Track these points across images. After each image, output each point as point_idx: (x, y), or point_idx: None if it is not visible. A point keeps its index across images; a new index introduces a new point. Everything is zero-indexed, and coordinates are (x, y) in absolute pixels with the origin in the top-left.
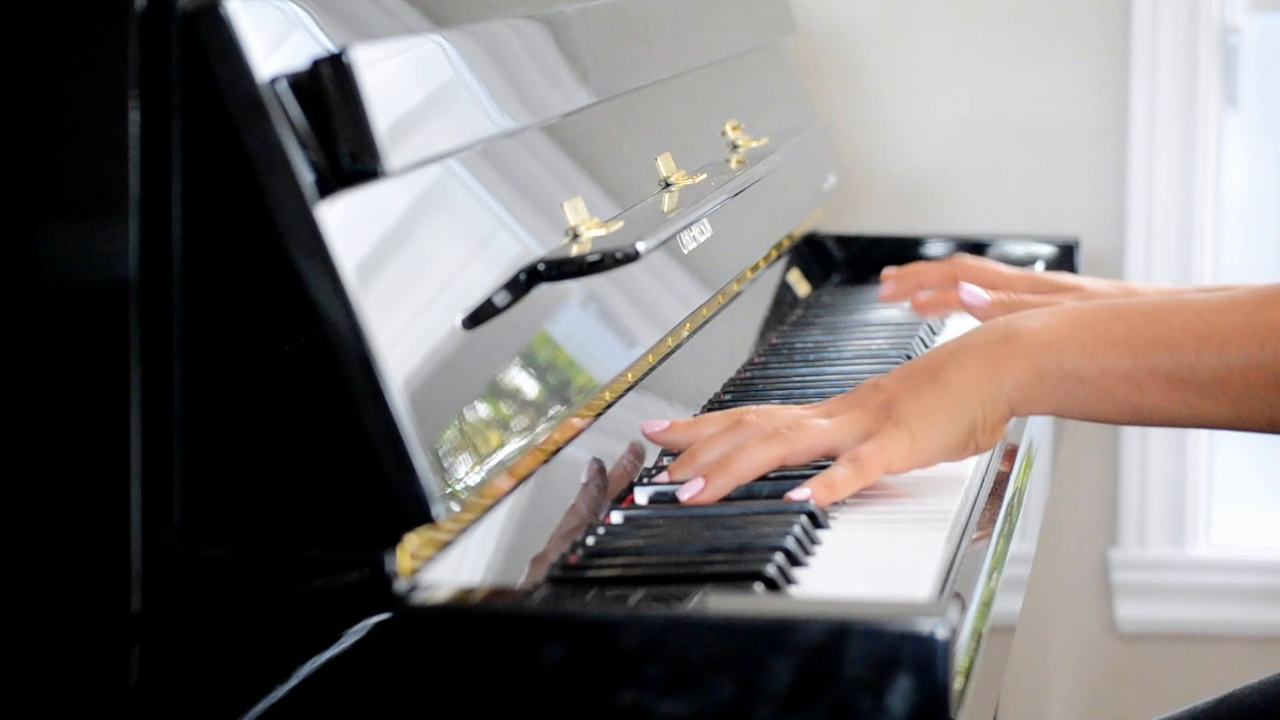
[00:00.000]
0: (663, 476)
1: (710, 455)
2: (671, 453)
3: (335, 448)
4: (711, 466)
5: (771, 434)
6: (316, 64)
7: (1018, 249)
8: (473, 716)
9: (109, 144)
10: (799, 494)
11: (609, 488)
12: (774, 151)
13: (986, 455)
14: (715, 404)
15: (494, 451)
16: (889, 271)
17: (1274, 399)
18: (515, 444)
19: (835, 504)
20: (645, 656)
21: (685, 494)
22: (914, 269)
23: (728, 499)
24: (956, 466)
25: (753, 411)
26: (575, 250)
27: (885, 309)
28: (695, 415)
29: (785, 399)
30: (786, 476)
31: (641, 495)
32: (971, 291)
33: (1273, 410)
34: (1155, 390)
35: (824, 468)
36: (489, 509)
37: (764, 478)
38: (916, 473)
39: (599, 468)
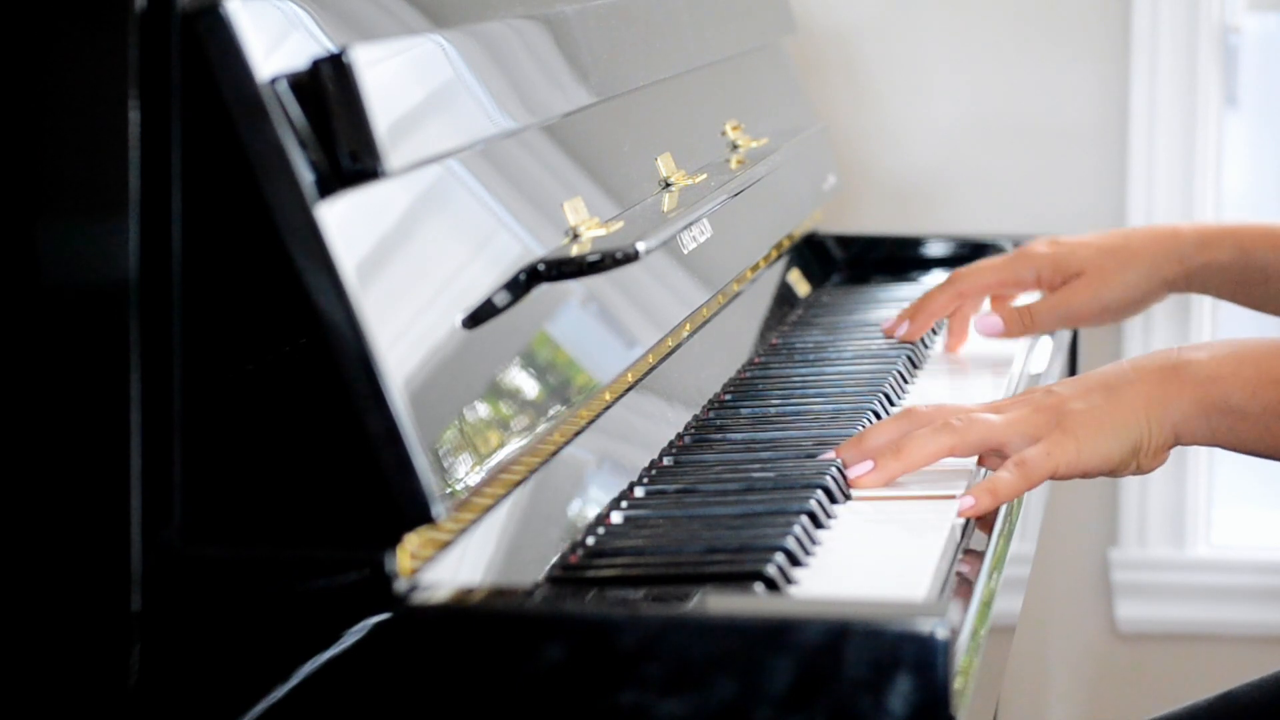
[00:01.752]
0: (827, 454)
1: (878, 440)
2: (673, 451)
3: (335, 448)
4: (881, 450)
5: (943, 425)
6: (316, 64)
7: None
8: (473, 716)
9: (109, 144)
10: (963, 503)
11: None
12: (774, 151)
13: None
14: (715, 404)
15: (494, 451)
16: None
17: None
18: (515, 444)
19: (835, 502)
20: (645, 656)
21: (854, 473)
22: (923, 305)
23: (729, 496)
24: (956, 466)
25: (922, 407)
26: (575, 250)
27: (885, 309)
28: (695, 415)
29: (785, 399)
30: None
31: (641, 495)
32: (987, 324)
33: None
34: None
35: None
36: (489, 509)
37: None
38: (918, 472)
39: None
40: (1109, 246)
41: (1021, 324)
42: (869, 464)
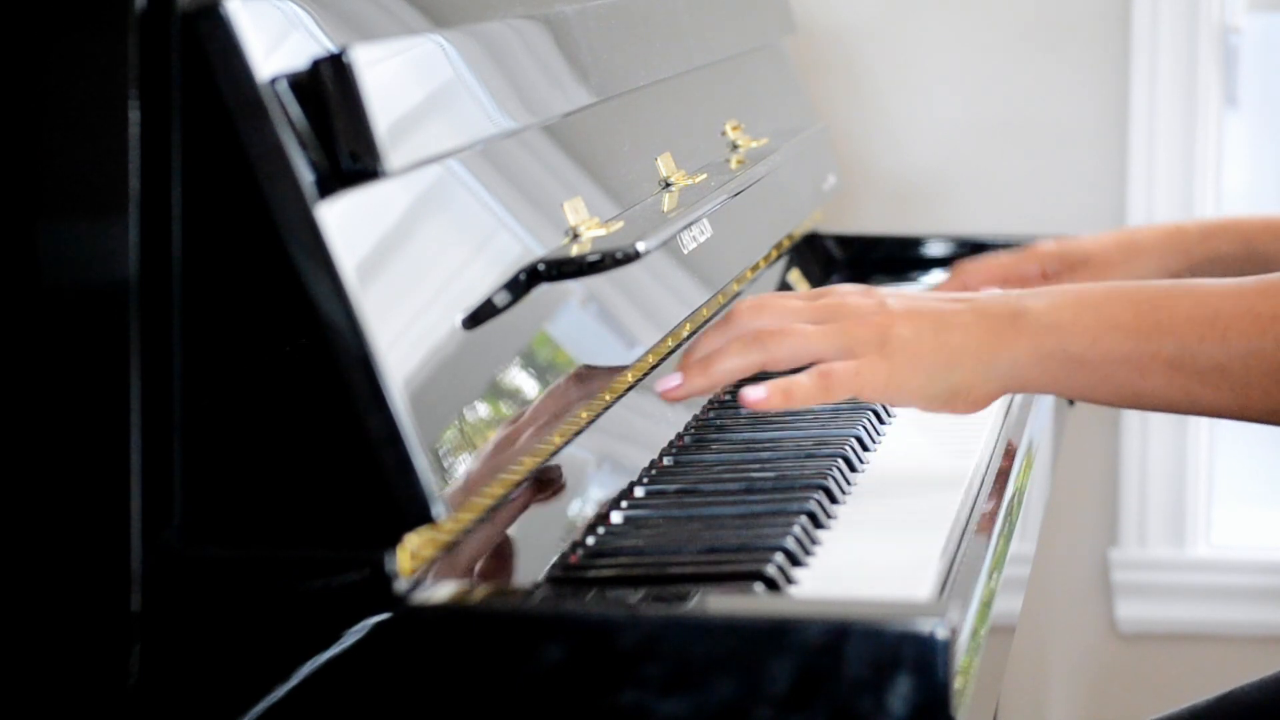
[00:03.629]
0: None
1: (698, 352)
2: (673, 451)
3: (335, 448)
4: (688, 365)
5: (753, 339)
6: (316, 64)
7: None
8: (473, 716)
9: (109, 144)
10: (753, 393)
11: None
12: (774, 151)
13: (986, 455)
14: (715, 404)
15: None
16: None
17: (1274, 388)
18: (515, 444)
19: (835, 502)
20: (645, 656)
21: (659, 386)
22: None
23: (729, 495)
24: (957, 466)
25: (745, 303)
26: (575, 250)
27: None
28: (695, 415)
29: None
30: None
31: (641, 494)
32: None
33: (1272, 400)
34: (1156, 376)
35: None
36: (489, 509)
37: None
38: (917, 473)
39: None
40: (1115, 240)
41: None
42: (678, 377)
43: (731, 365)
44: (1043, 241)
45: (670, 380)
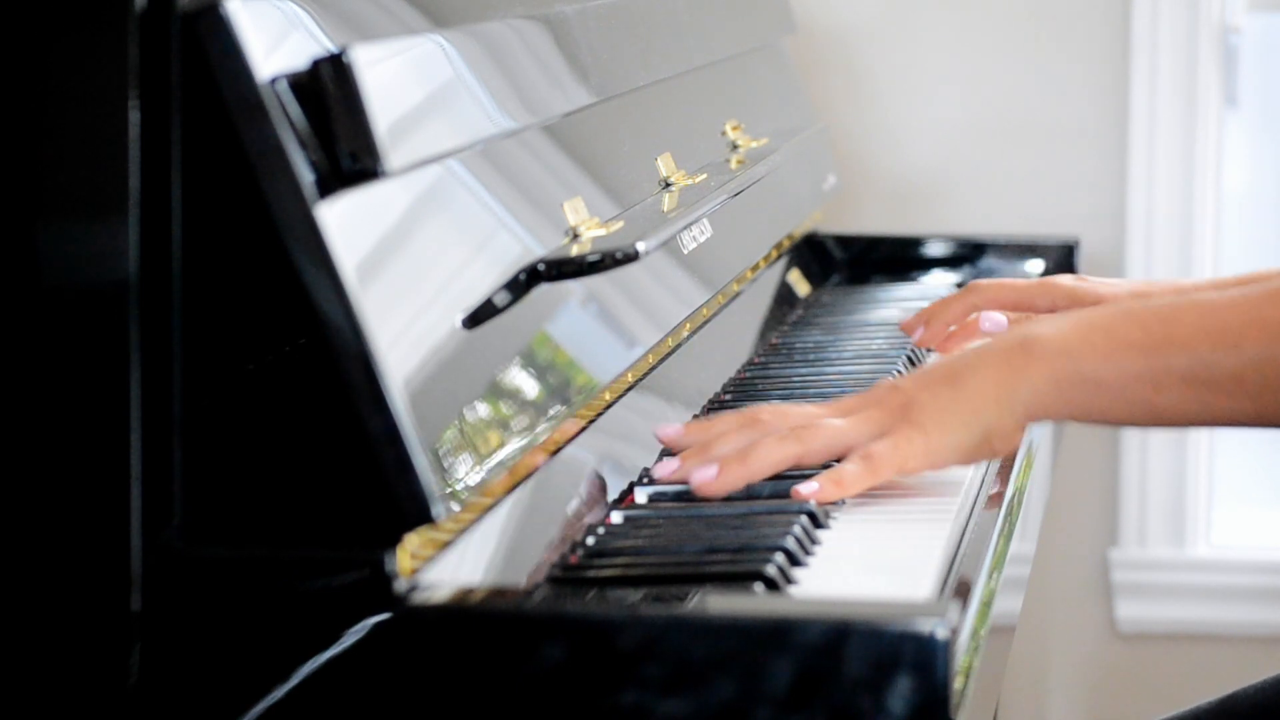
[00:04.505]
0: (670, 463)
1: (724, 448)
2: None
3: (335, 448)
4: (726, 458)
5: (788, 433)
6: (316, 64)
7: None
8: (473, 716)
9: (109, 144)
10: (806, 488)
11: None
12: (774, 151)
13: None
14: (715, 404)
15: (494, 451)
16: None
17: None
18: (515, 444)
19: (837, 504)
20: (645, 656)
21: (696, 479)
22: (937, 310)
23: (730, 498)
24: (956, 473)
25: (766, 410)
26: (575, 250)
27: (885, 309)
28: (696, 415)
29: (785, 399)
30: (793, 476)
31: (641, 495)
32: (993, 320)
33: None
34: (1173, 391)
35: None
36: (489, 509)
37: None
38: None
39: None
40: (1131, 285)
41: None
42: (714, 469)
43: (771, 458)
44: (1061, 276)
45: (706, 471)
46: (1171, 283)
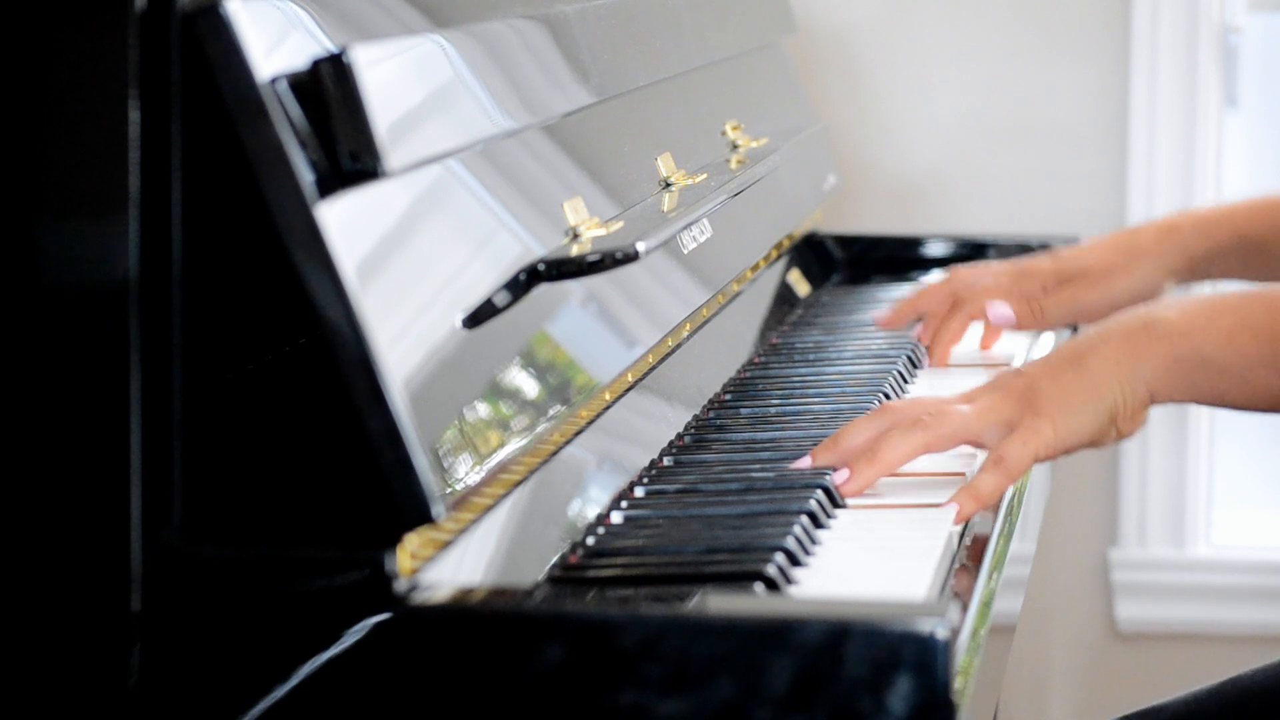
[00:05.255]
0: (802, 462)
1: (853, 441)
2: (673, 451)
3: (335, 447)
4: (856, 455)
5: (914, 422)
6: (316, 64)
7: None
8: (473, 716)
9: (109, 144)
10: (948, 510)
11: None
12: (774, 151)
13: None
14: (715, 404)
15: (494, 451)
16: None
17: None
18: (515, 444)
19: (837, 503)
20: (645, 656)
21: (834, 481)
22: (919, 302)
23: (727, 499)
24: (957, 466)
25: (897, 402)
26: (575, 250)
27: (885, 309)
28: (695, 415)
29: (785, 399)
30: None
31: (642, 494)
32: (999, 314)
33: None
34: None
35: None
36: (489, 509)
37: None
38: (917, 474)
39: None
40: (1113, 244)
41: (1032, 317)
42: (845, 472)
43: (900, 450)
44: (1037, 256)
45: (839, 476)
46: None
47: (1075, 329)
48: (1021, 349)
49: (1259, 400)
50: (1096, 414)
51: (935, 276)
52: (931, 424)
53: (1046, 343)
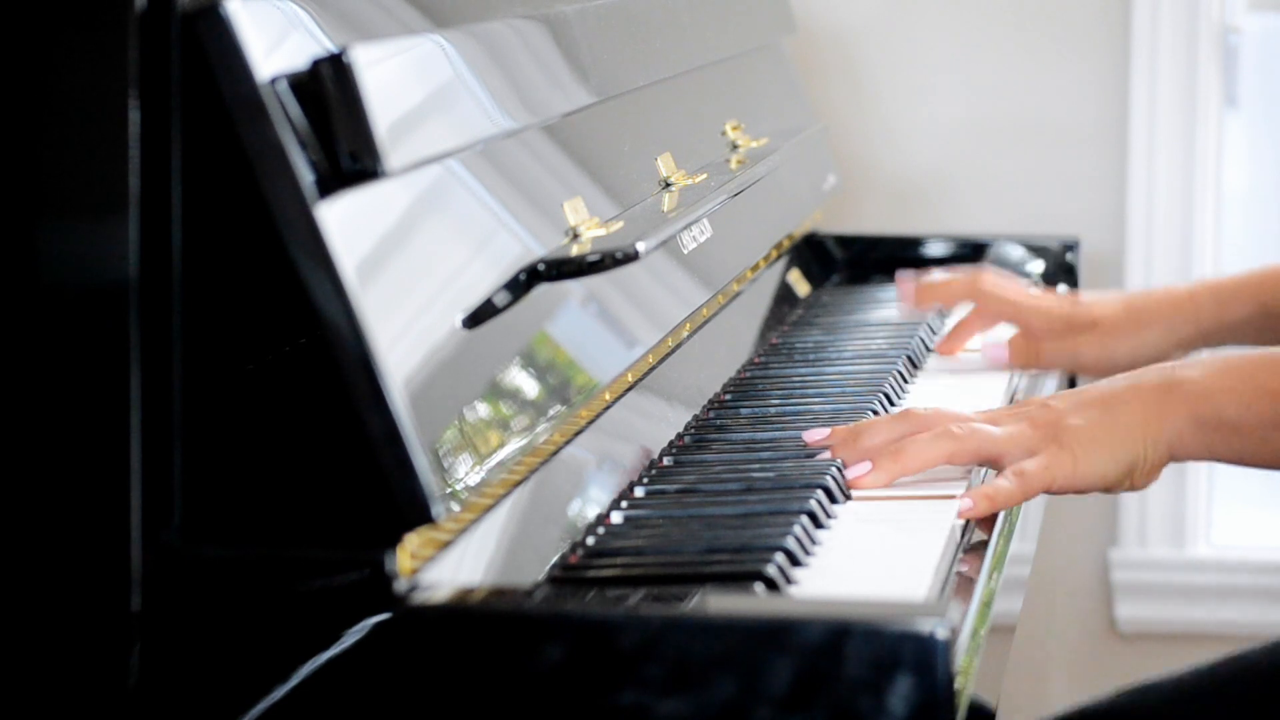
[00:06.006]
0: (819, 431)
1: (874, 439)
2: (673, 451)
3: (335, 448)
4: (879, 452)
5: (942, 431)
6: (316, 64)
7: (1016, 249)
8: (473, 716)
9: (109, 144)
10: (962, 504)
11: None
12: (774, 151)
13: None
14: (715, 404)
15: (494, 451)
16: (907, 282)
17: None
18: (515, 444)
19: (835, 502)
20: (645, 656)
21: (852, 473)
22: (937, 288)
23: (727, 499)
24: (956, 466)
25: (921, 409)
26: (575, 250)
27: (885, 309)
28: (695, 415)
29: (785, 399)
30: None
31: (642, 494)
32: (993, 356)
33: None
34: None
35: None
36: (489, 509)
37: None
38: (916, 474)
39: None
40: (1126, 305)
41: (1025, 359)
42: (867, 464)
43: (925, 454)
44: (1058, 295)
45: (860, 468)
46: (1170, 294)
47: (1073, 380)
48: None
49: (1275, 460)
50: (1118, 461)
51: (935, 277)
52: (960, 436)
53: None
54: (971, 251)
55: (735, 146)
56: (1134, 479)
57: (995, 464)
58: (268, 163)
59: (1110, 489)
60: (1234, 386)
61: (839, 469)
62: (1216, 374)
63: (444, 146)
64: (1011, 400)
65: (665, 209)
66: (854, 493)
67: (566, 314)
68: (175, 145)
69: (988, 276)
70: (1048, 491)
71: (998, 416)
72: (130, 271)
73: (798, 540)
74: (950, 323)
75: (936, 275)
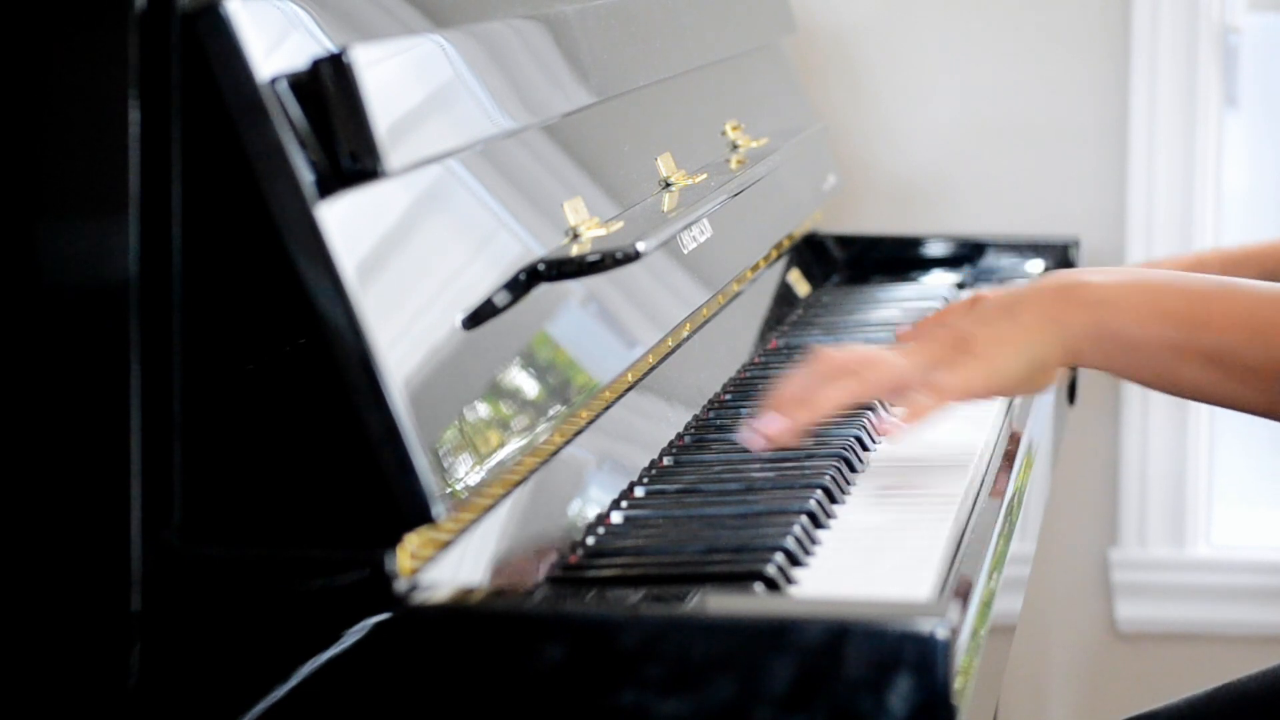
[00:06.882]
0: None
1: (788, 391)
2: (673, 451)
3: (335, 447)
4: (789, 402)
5: (845, 370)
6: (316, 64)
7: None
8: (473, 716)
9: (109, 144)
10: (887, 423)
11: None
12: (774, 151)
13: (987, 455)
14: (715, 404)
15: (494, 451)
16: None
17: None
18: (515, 444)
19: (835, 502)
20: (645, 656)
21: (766, 430)
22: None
23: (727, 499)
24: (956, 466)
25: (827, 349)
26: (575, 250)
27: (885, 309)
28: (695, 415)
29: None
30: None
31: (642, 494)
32: None
33: None
34: (1195, 367)
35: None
36: (489, 509)
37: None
38: (917, 473)
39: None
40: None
41: None
42: (778, 417)
43: (832, 398)
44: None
45: (771, 422)
46: (1181, 262)
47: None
48: None
49: (1160, 381)
50: (1026, 359)
51: (935, 277)
52: (864, 371)
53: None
54: (971, 251)
55: (735, 146)
56: (1038, 378)
57: (906, 388)
58: (268, 163)
59: (1020, 390)
60: (1135, 303)
61: (840, 469)
62: (1120, 284)
63: (444, 146)
64: (1011, 403)
65: (665, 209)
66: (853, 492)
67: (566, 314)
68: (175, 145)
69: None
70: (965, 397)
71: (906, 347)
72: (130, 271)
73: (798, 540)
74: None
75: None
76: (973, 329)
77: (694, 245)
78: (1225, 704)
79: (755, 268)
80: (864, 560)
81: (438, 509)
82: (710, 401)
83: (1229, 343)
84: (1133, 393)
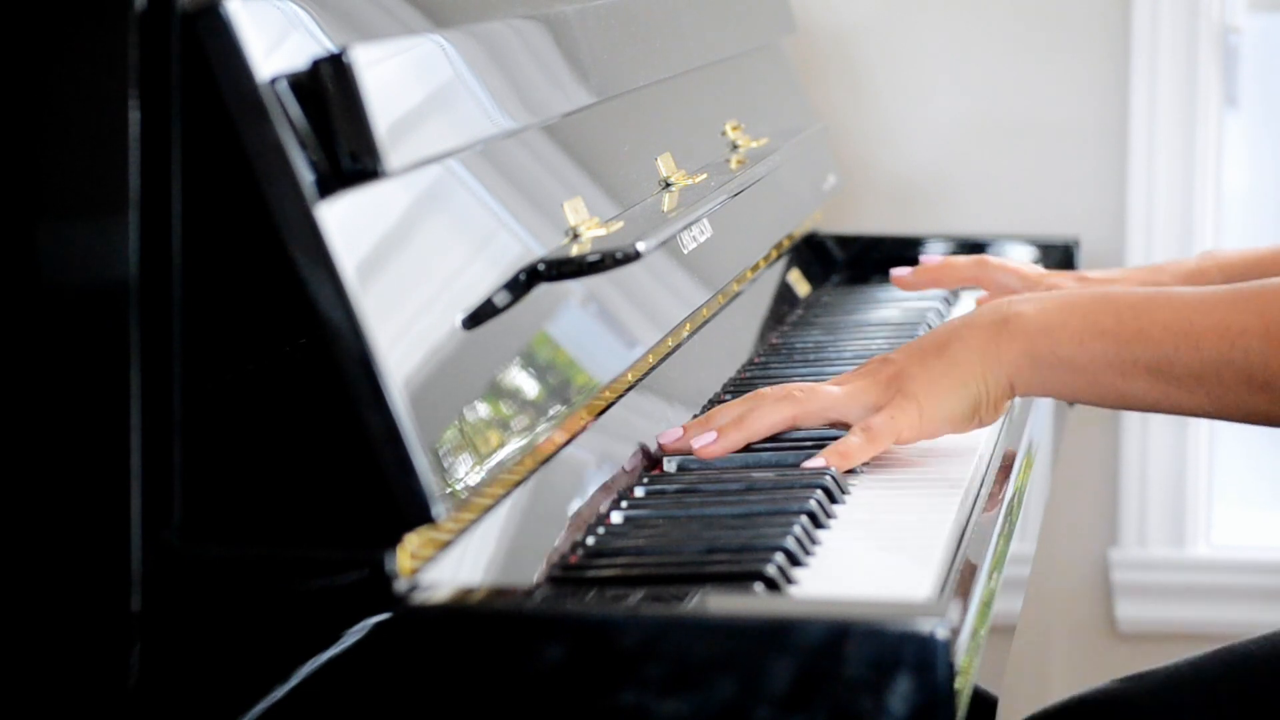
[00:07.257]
0: (673, 431)
1: (725, 417)
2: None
3: (335, 447)
4: (726, 425)
5: (783, 395)
6: (316, 64)
7: (1017, 249)
8: (473, 716)
9: (109, 144)
10: (814, 462)
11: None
12: (774, 151)
13: (987, 455)
14: (716, 404)
15: (494, 451)
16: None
17: (1245, 394)
18: (515, 444)
19: (835, 502)
20: (645, 656)
21: (696, 444)
22: (944, 269)
23: (727, 499)
24: (956, 466)
25: (766, 388)
26: (575, 250)
27: (885, 309)
28: (695, 415)
29: None
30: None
31: (642, 494)
32: None
33: (1246, 404)
34: (1138, 381)
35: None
36: (489, 509)
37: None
38: (917, 473)
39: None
40: (1138, 280)
41: None
42: (712, 434)
43: (767, 419)
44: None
45: (705, 437)
46: (1183, 266)
47: None
48: None
49: (1106, 399)
50: (961, 401)
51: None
52: (801, 398)
53: None
54: (971, 251)
55: (735, 146)
56: (981, 416)
57: (841, 423)
58: (268, 163)
59: (959, 429)
60: (1069, 324)
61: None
62: (1052, 310)
63: (444, 146)
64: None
65: (665, 209)
66: (853, 492)
67: (566, 314)
68: (175, 145)
69: (989, 260)
70: (898, 441)
71: (841, 379)
72: (130, 271)
73: (798, 540)
74: (956, 311)
75: (936, 258)
76: (908, 368)
77: (694, 245)
78: (1227, 665)
79: (755, 268)
80: (864, 560)
81: (438, 509)
82: (710, 401)
83: (1166, 353)
84: None
